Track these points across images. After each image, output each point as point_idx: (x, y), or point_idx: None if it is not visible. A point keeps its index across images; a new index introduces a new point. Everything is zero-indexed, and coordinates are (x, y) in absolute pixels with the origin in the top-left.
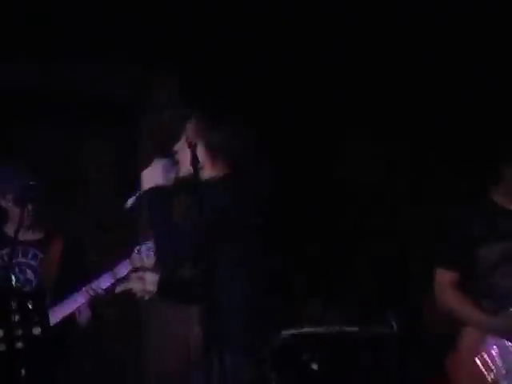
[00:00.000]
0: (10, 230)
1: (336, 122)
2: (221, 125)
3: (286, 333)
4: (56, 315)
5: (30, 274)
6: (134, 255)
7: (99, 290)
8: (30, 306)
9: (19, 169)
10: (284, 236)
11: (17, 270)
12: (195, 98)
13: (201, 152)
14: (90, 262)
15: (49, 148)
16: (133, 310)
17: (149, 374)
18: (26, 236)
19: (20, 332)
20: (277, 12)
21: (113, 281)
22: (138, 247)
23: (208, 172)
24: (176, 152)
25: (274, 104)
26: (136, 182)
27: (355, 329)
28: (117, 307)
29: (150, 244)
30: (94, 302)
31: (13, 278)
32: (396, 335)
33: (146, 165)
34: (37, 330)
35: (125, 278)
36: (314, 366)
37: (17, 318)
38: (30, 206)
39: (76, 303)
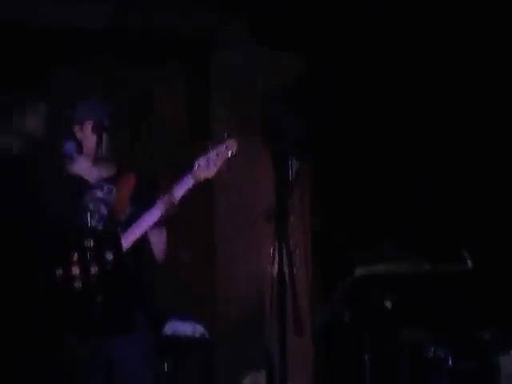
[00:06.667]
0: (82, 164)
1: None
2: None
3: (359, 270)
4: (134, 231)
5: (103, 209)
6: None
7: (174, 200)
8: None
9: (100, 99)
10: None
11: (91, 205)
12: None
13: None
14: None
15: (124, 83)
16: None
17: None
18: (100, 172)
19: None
20: None
21: (183, 191)
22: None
23: None
24: None
25: None
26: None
27: (429, 266)
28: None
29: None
30: (169, 214)
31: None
32: (471, 272)
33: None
34: (109, 256)
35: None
36: (388, 304)
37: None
38: (106, 136)
39: (152, 217)
